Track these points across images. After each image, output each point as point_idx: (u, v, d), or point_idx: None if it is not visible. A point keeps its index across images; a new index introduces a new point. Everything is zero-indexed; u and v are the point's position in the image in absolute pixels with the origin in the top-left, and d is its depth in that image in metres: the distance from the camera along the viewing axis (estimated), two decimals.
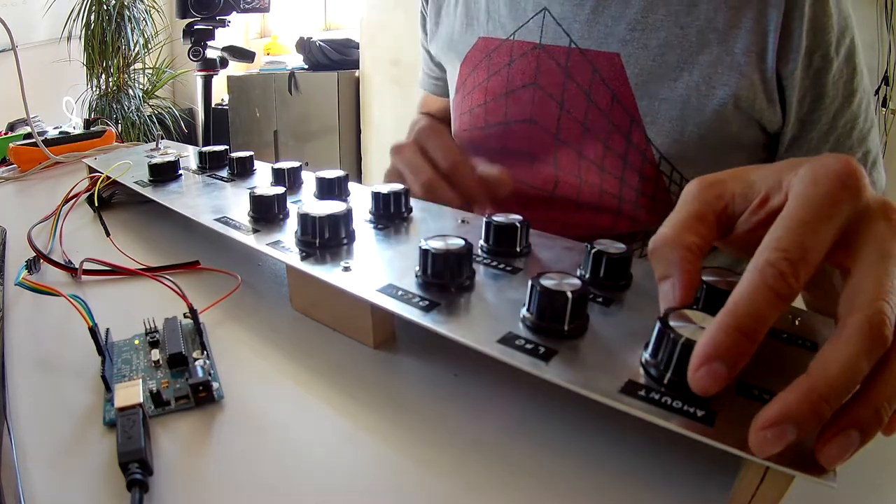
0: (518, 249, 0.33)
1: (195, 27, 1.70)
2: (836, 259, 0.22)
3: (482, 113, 0.58)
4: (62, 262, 0.41)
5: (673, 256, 0.24)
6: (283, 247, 0.35)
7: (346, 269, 0.31)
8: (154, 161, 0.50)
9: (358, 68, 2.41)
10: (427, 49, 0.70)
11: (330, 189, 0.43)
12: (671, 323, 0.22)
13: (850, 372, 0.18)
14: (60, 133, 0.80)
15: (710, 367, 0.19)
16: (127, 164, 0.54)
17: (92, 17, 2.54)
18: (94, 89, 2.66)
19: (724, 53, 0.45)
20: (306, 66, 2.53)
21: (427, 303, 0.28)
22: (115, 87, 2.68)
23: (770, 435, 0.18)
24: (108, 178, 0.53)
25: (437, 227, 0.38)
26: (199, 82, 1.82)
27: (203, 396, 0.27)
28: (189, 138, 3.01)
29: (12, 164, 0.74)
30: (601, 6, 0.49)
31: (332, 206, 0.35)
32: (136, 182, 0.50)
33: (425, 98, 0.79)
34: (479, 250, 0.34)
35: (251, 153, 0.52)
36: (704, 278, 0.26)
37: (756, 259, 0.21)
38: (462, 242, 0.29)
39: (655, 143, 0.48)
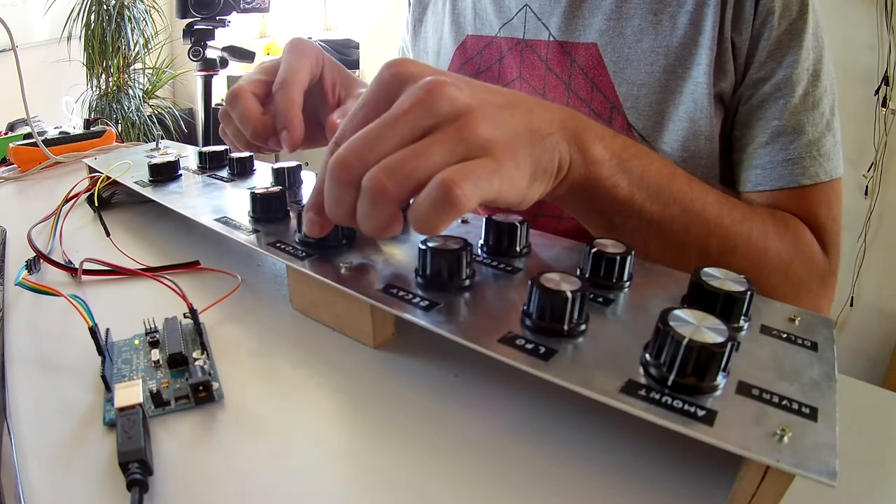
0: (518, 249, 0.33)
1: (195, 27, 1.70)
2: None
3: None
4: (62, 262, 0.41)
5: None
6: (283, 247, 0.35)
7: (346, 268, 0.32)
8: (154, 161, 0.50)
9: (358, 68, 2.41)
10: (406, 47, 0.71)
11: None
12: (671, 323, 0.22)
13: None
14: (60, 133, 0.80)
15: (307, 216, 0.31)
16: (127, 164, 0.54)
17: (92, 17, 2.53)
18: (94, 89, 2.65)
19: (695, 33, 0.47)
20: None
21: (427, 303, 0.28)
22: (115, 87, 2.68)
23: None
24: (108, 178, 0.53)
25: None
26: (199, 82, 1.82)
27: (203, 396, 0.27)
28: (189, 138, 3.00)
29: (12, 164, 0.73)
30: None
31: None
32: (136, 182, 0.50)
33: None
34: (479, 250, 0.34)
35: (251, 153, 0.52)
36: (703, 278, 0.27)
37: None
38: (462, 242, 0.30)
39: (637, 127, 0.50)
